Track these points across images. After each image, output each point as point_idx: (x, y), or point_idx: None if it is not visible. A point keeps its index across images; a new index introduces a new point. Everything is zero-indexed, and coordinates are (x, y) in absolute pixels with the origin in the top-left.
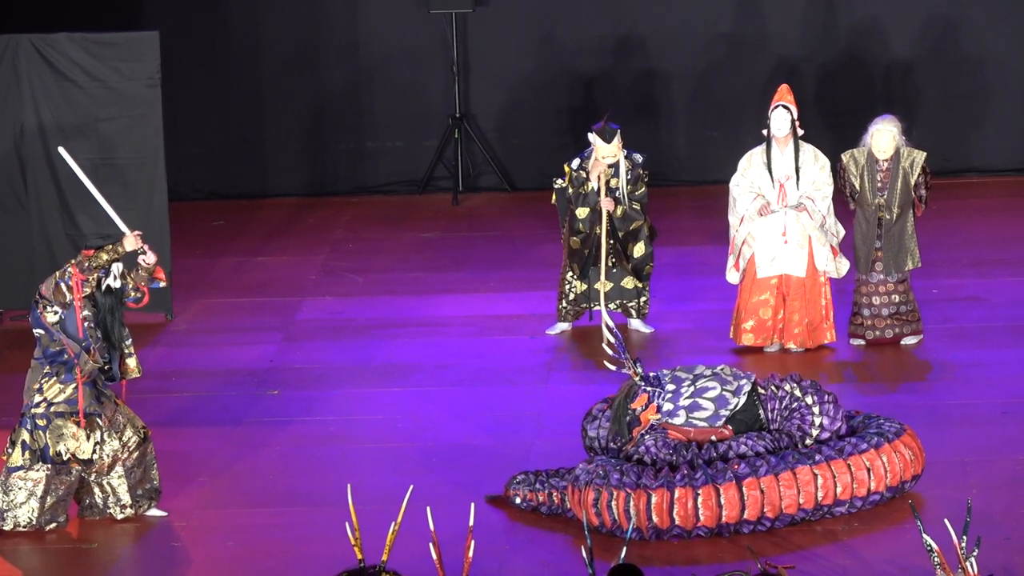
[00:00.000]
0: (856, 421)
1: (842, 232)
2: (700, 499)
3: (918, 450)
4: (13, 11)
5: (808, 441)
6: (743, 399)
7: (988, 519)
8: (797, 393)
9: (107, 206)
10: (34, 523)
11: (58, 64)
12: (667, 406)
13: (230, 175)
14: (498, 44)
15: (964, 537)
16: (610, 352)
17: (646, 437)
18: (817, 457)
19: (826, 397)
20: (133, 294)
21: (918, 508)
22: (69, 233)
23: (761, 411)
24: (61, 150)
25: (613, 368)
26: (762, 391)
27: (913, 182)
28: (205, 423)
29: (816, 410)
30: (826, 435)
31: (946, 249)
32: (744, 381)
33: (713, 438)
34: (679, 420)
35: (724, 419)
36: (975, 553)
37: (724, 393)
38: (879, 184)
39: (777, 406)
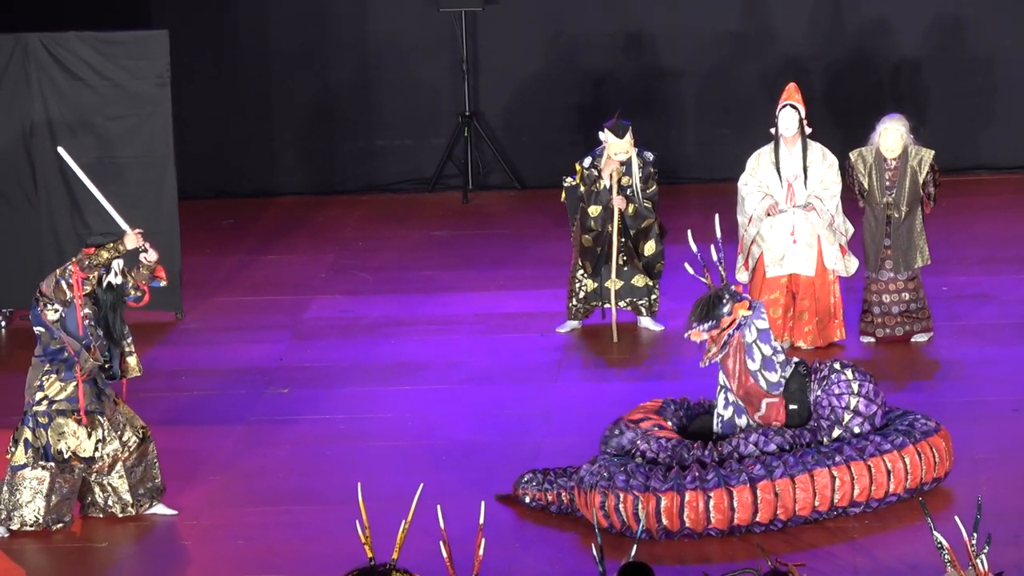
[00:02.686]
0: (893, 415)
1: (851, 230)
2: (712, 502)
3: (945, 452)
4: (22, 10)
5: (836, 431)
6: (791, 370)
7: (998, 516)
8: (837, 366)
9: (107, 204)
10: (40, 522)
11: (67, 63)
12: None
13: (239, 174)
14: (507, 42)
15: (975, 534)
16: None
17: (640, 442)
18: (837, 458)
19: (868, 378)
20: (134, 292)
21: (928, 505)
22: (79, 232)
23: (808, 380)
24: (60, 150)
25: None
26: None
27: (921, 180)
28: (214, 421)
29: (855, 387)
30: (858, 421)
31: (955, 246)
32: (791, 364)
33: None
34: (753, 365)
35: (782, 387)
36: (985, 550)
37: (776, 359)
38: (887, 183)
39: (816, 376)
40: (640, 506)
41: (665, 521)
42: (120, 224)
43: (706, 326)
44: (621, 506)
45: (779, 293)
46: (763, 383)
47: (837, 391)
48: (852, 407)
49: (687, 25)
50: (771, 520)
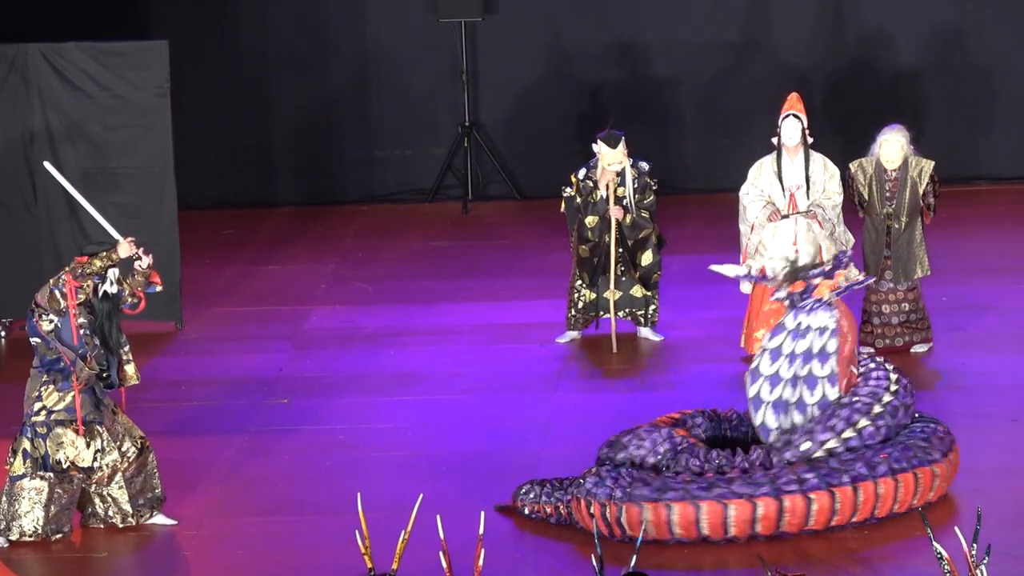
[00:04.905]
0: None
1: (851, 241)
2: (732, 512)
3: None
4: (22, 20)
5: (877, 408)
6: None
7: (998, 527)
8: (880, 359)
9: (97, 215)
10: (39, 532)
11: (67, 73)
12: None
13: (239, 184)
14: (507, 52)
15: (974, 545)
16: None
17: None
18: (880, 469)
19: (904, 377)
20: (130, 300)
21: (928, 516)
22: (78, 241)
23: None
24: (46, 164)
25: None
26: None
27: (921, 191)
28: (215, 431)
29: (894, 377)
30: (896, 403)
31: (955, 257)
32: None
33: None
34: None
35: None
36: (985, 561)
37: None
38: (888, 193)
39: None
40: (648, 514)
41: (680, 531)
42: (112, 234)
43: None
44: (623, 518)
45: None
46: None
47: (876, 375)
48: (892, 390)
49: (686, 35)
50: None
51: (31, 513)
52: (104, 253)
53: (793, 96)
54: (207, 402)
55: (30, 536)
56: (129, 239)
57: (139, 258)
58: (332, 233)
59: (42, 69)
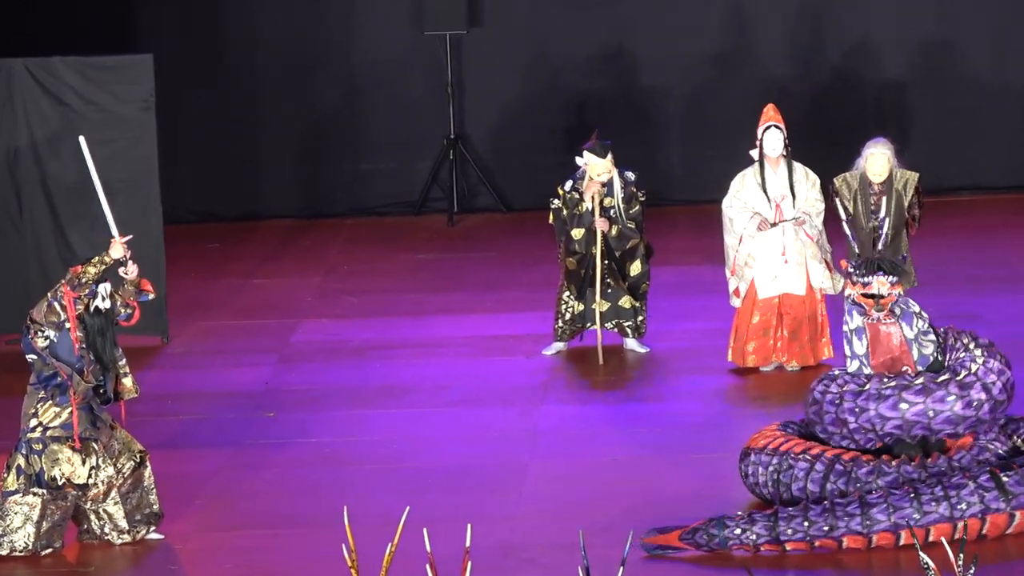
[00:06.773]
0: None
1: (829, 250)
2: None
3: None
4: (7, 35)
5: (964, 374)
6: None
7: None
8: (970, 344)
9: (106, 205)
10: (30, 548)
11: (52, 87)
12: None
13: (225, 197)
14: (492, 65)
15: (961, 555)
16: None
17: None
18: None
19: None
20: (123, 311)
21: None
22: (63, 256)
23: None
24: (81, 139)
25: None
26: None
27: (907, 203)
28: (201, 445)
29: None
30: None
31: (941, 268)
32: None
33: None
34: (910, 333)
35: (928, 364)
36: (972, 571)
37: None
38: (873, 207)
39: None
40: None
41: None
42: (111, 228)
43: (893, 279)
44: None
45: (770, 314)
46: (916, 354)
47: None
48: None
49: (672, 47)
50: None
51: (23, 529)
52: (96, 258)
53: (770, 107)
54: (193, 416)
55: (20, 551)
56: (123, 240)
57: (125, 263)
58: (318, 246)
59: (27, 84)
